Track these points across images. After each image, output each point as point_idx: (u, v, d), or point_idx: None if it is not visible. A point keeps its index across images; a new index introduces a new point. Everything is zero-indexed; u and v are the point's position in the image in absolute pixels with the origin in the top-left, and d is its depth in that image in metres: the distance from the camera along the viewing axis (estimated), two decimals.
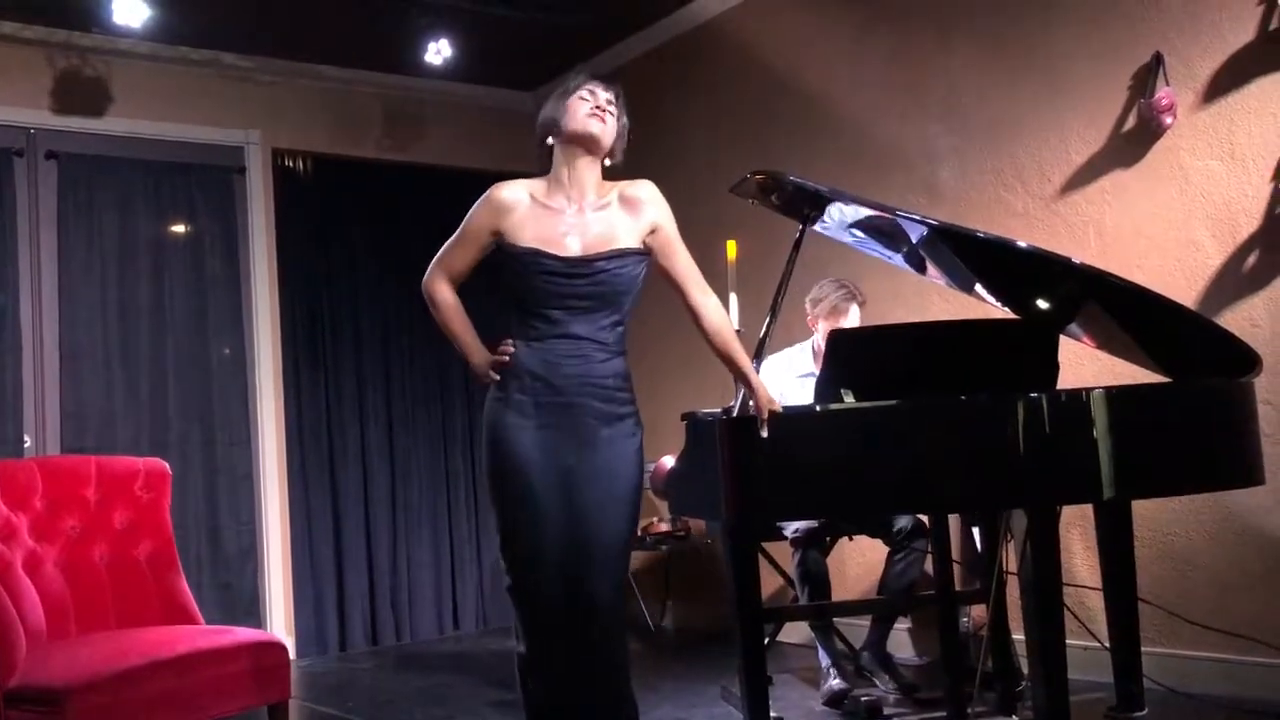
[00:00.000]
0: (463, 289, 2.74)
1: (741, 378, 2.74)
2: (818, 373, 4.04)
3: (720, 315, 2.73)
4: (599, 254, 2.58)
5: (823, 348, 4.02)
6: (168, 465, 3.86)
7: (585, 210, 2.62)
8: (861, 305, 4.03)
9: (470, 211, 2.67)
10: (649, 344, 5.51)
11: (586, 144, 2.61)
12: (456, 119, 6.00)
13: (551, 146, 2.66)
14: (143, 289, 5.21)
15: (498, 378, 2.60)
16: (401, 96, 5.91)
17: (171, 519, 3.80)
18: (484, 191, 2.67)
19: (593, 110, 2.60)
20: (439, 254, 2.72)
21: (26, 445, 4.85)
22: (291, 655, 4.32)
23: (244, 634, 3.48)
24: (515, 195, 2.63)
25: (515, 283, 2.60)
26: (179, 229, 5.40)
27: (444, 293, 2.70)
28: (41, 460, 4.01)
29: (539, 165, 2.71)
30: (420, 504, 5.81)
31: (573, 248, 2.57)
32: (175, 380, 5.23)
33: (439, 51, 5.09)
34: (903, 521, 3.84)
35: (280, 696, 3.38)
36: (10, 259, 4.90)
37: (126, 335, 5.14)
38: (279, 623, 5.33)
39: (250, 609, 5.29)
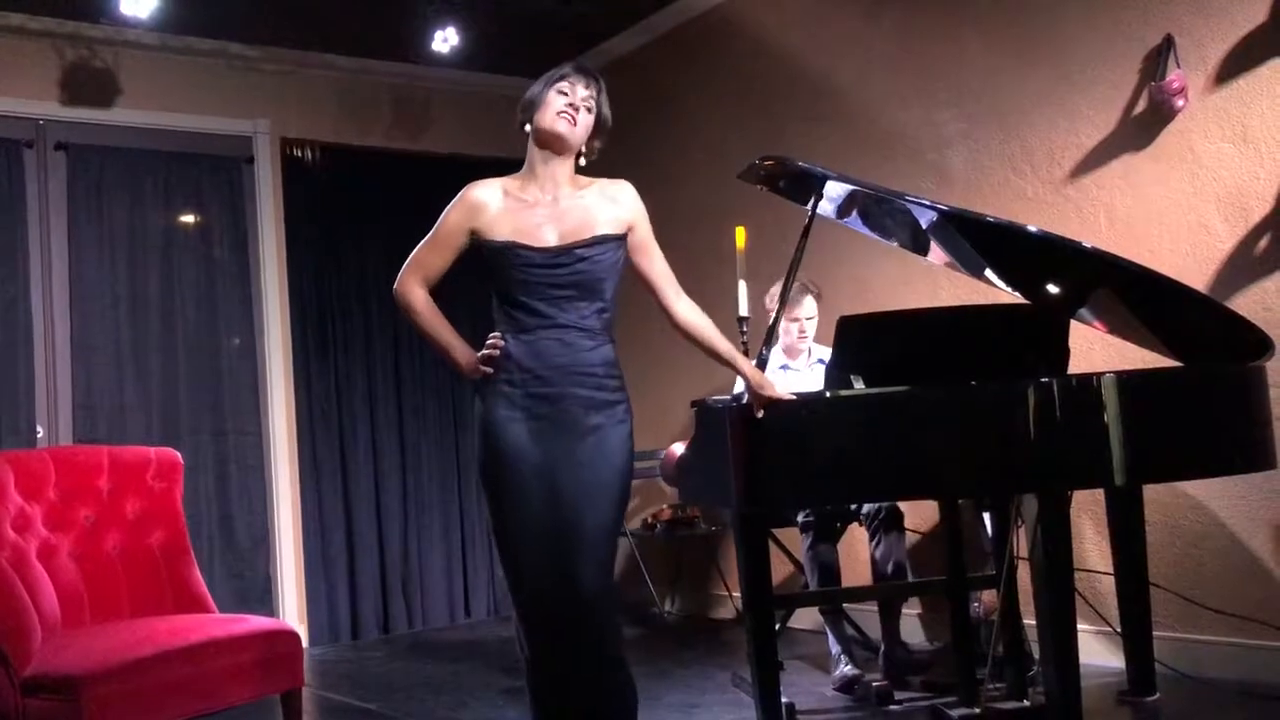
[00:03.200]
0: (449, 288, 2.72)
1: (732, 365, 2.73)
2: (790, 364, 4.11)
3: (695, 313, 2.72)
4: (576, 242, 2.58)
5: (787, 342, 4.09)
6: (179, 455, 3.87)
7: (560, 201, 2.62)
8: (817, 297, 4.08)
9: (444, 213, 2.67)
10: (653, 335, 5.50)
11: (552, 143, 2.62)
12: (464, 107, 6.00)
13: (527, 134, 2.66)
14: (152, 279, 5.22)
15: (490, 370, 2.58)
16: (409, 85, 5.91)
17: (184, 508, 3.82)
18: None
19: (564, 109, 2.60)
20: (411, 258, 2.71)
21: (39, 436, 4.87)
22: (304, 643, 4.34)
23: (257, 622, 3.50)
24: (489, 193, 2.64)
25: (496, 277, 2.60)
26: (188, 219, 5.41)
27: (420, 296, 2.69)
28: (54, 450, 4.03)
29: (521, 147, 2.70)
30: (431, 492, 5.83)
31: (549, 239, 2.58)
32: (186, 370, 5.24)
33: (446, 40, 5.08)
34: (872, 505, 3.86)
35: (293, 684, 3.40)
36: (20, 250, 4.91)
37: (137, 325, 5.16)
38: (291, 611, 5.36)
39: (263, 598, 5.31)
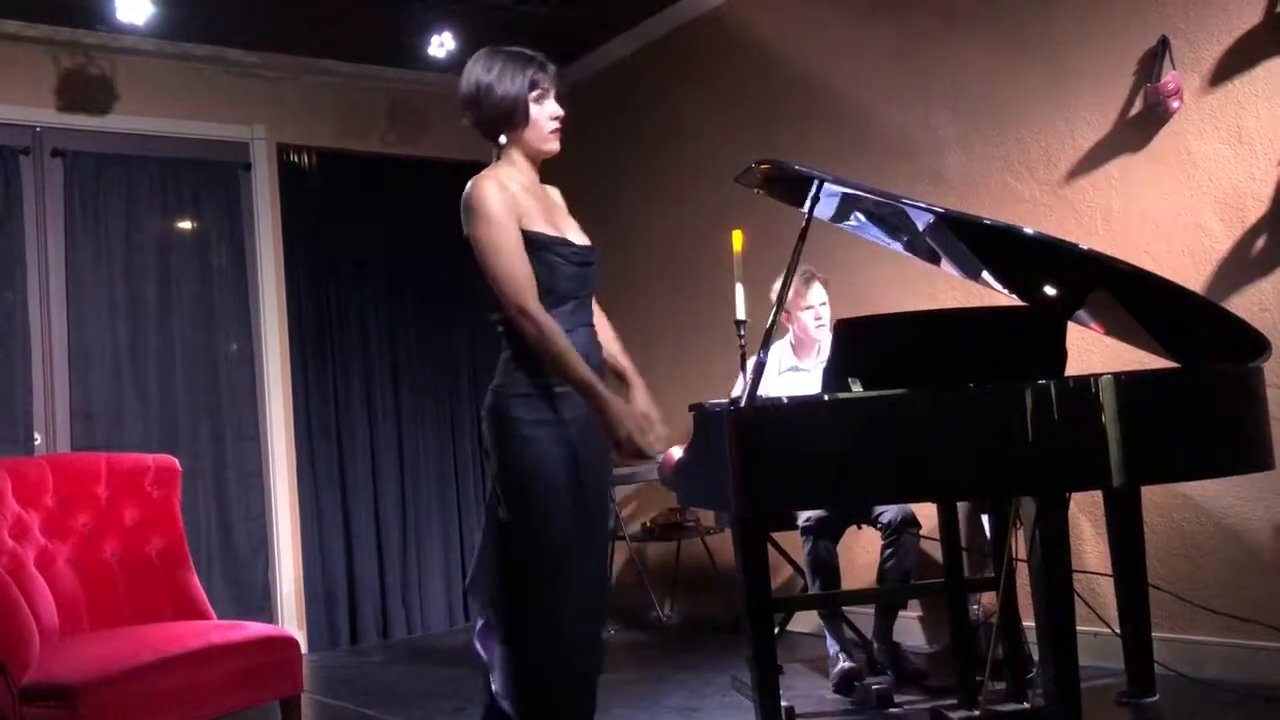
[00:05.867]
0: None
1: (622, 381, 2.69)
2: (799, 365, 4.10)
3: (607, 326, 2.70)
4: (590, 245, 2.58)
5: (801, 337, 4.08)
6: (177, 461, 3.87)
7: (554, 203, 2.63)
8: (824, 283, 4.06)
9: (488, 214, 2.41)
10: (650, 339, 5.51)
11: (542, 155, 2.59)
12: (461, 112, 5.99)
13: (496, 128, 2.55)
14: (150, 286, 5.22)
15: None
16: (405, 90, 5.91)
17: (182, 515, 3.81)
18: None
19: (556, 127, 2.55)
20: (510, 275, 2.38)
21: (37, 443, 4.87)
22: (303, 649, 4.33)
23: (255, 629, 3.50)
24: (510, 183, 2.49)
25: (543, 274, 2.43)
26: (185, 226, 5.41)
27: (547, 315, 2.39)
28: (52, 458, 4.03)
29: (475, 123, 2.61)
30: (429, 496, 5.83)
31: (576, 239, 2.55)
32: (184, 376, 5.24)
33: (442, 44, 5.08)
34: (891, 513, 3.86)
35: (292, 691, 3.40)
36: (18, 257, 4.92)
37: (134, 332, 5.16)
38: (290, 617, 5.35)
39: (261, 604, 5.31)
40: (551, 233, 2.49)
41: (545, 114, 2.54)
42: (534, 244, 2.45)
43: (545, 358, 2.39)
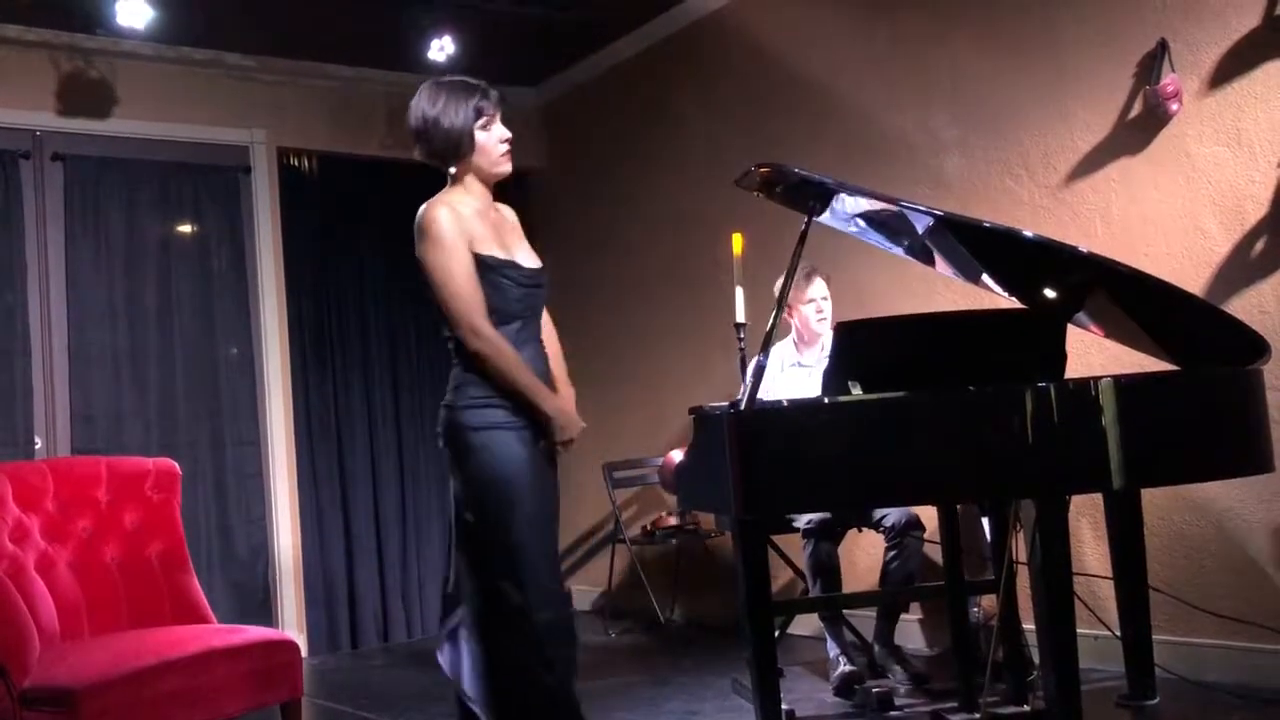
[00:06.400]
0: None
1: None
2: (802, 361, 4.10)
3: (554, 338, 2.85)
4: (540, 267, 2.71)
5: (803, 331, 4.09)
6: (177, 465, 3.87)
7: (504, 223, 2.74)
8: (826, 278, 4.09)
9: (438, 239, 2.57)
10: (653, 338, 5.51)
11: (496, 178, 2.70)
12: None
13: (446, 159, 2.69)
14: (150, 290, 5.22)
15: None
16: (405, 94, 5.82)
17: (182, 518, 3.81)
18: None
19: (506, 150, 2.67)
20: (462, 299, 2.55)
21: (37, 447, 4.87)
22: (303, 653, 4.33)
23: (255, 632, 3.50)
24: (460, 208, 2.64)
25: (490, 294, 2.59)
26: (185, 229, 5.41)
27: (497, 333, 2.58)
28: (52, 462, 4.03)
29: (426, 156, 2.75)
30: (429, 499, 5.82)
31: (526, 262, 2.68)
32: (184, 380, 5.24)
33: (442, 48, 5.08)
34: (894, 516, 3.86)
35: (292, 694, 3.40)
36: (18, 261, 4.92)
37: (135, 336, 5.16)
38: (290, 621, 5.35)
39: (262, 607, 5.31)
40: (501, 255, 2.63)
41: (493, 139, 2.66)
42: (483, 266, 2.59)
43: (495, 372, 2.56)
